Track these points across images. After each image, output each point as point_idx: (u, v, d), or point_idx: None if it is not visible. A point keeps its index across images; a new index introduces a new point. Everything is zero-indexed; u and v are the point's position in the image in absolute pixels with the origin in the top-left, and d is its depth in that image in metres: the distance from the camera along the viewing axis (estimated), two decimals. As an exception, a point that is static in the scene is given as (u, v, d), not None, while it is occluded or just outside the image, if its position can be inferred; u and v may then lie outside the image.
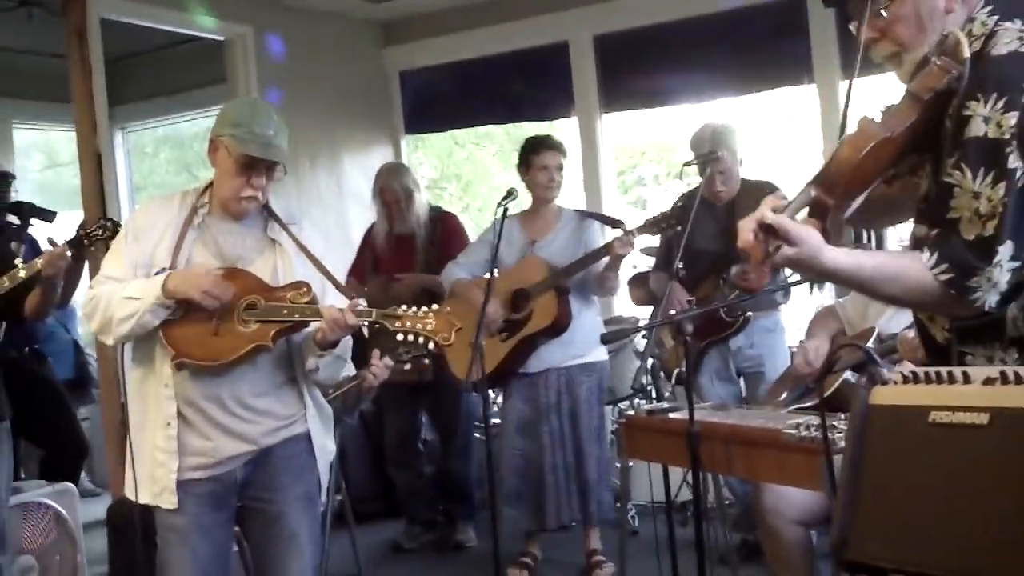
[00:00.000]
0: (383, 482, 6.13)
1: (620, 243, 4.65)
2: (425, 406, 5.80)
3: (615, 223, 4.96)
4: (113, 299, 3.00)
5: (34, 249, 5.38)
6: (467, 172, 11.16)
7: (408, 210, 5.61)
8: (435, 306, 2.96)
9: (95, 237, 4.07)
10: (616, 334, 4.59)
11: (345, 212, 6.79)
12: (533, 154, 5.04)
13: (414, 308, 2.94)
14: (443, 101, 7.42)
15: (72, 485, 4.98)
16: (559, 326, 4.86)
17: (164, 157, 9.72)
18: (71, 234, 4.05)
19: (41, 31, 6.57)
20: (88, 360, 6.38)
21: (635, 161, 10.97)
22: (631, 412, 4.09)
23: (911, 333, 3.28)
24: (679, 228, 4.59)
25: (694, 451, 3.26)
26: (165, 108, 8.10)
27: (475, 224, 6.38)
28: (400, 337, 2.93)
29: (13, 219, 5.61)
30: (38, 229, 5.33)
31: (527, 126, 9.52)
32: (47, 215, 5.43)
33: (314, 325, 3.03)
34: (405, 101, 7.38)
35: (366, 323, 2.97)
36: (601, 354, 5.03)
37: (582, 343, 4.92)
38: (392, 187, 5.63)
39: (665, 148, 11.01)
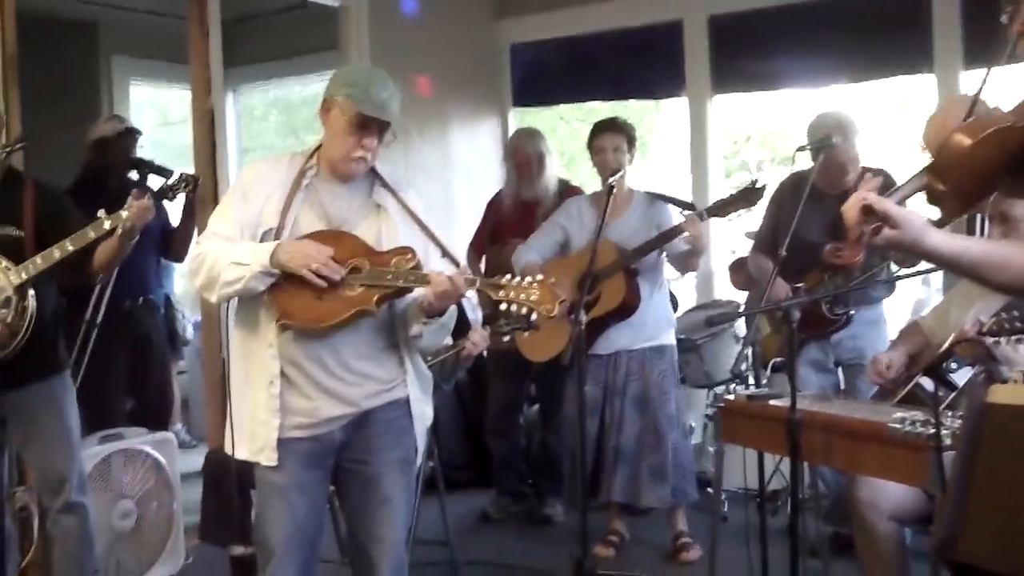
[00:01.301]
0: (474, 451, 6.19)
1: (688, 224, 4.61)
2: (532, 377, 5.82)
3: (687, 205, 4.94)
4: (219, 260, 3.02)
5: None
6: (570, 148, 11.12)
7: (538, 175, 5.66)
8: (539, 276, 2.94)
9: (176, 191, 4.13)
10: (721, 317, 4.56)
11: (450, 184, 6.81)
12: (593, 137, 5.05)
13: (519, 278, 2.93)
14: (552, 76, 7.39)
15: (172, 435, 5.11)
16: (626, 308, 4.83)
17: (273, 120, 9.85)
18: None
19: (162, -9, 6.71)
20: (177, 315, 6.49)
21: (739, 146, 10.86)
22: (730, 397, 4.06)
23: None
24: (750, 210, 4.54)
25: (794, 439, 3.22)
26: (276, 71, 8.19)
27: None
28: (503, 307, 2.92)
29: (133, 175, 5.77)
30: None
31: (634, 105, 9.53)
32: (165, 172, 5.56)
33: (418, 291, 3.04)
34: (514, 74, 7.36)
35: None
36: (671, 337, 5.02)
37: (653, 326, 4.91)
38: (526, 149, 5.69)
39: (771, 134, 10.87)
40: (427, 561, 4.69)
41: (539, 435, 5.95)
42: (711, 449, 5.74)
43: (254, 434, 3.12)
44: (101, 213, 3.77)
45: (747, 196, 4.59)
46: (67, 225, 3.94)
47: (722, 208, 4.64)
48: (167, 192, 4.06)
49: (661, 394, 4.90)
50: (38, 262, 3.85)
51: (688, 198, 5.62)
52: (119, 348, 5.61)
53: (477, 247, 5.85)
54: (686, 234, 4.65)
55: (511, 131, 7.23)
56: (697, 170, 6.64)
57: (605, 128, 5.02)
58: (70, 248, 3.83)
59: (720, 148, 6.98)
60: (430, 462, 4.69)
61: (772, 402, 3.60)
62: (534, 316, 2.92)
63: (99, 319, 5.43)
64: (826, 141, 4.58)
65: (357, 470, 3.18)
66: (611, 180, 4.50)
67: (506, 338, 4.66)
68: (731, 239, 6.64)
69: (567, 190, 5.79)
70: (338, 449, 3.17)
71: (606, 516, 5.16)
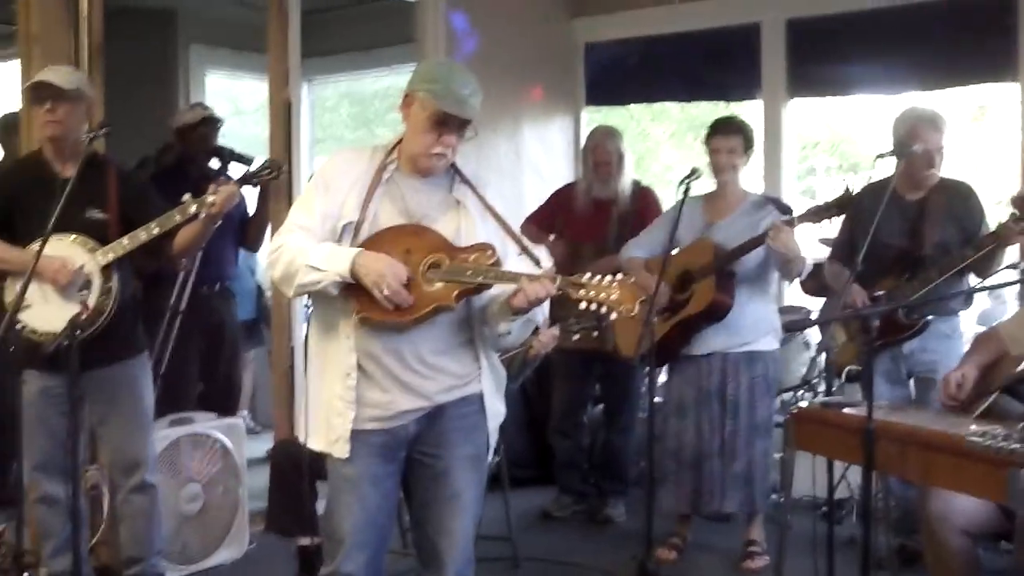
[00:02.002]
0: (537, 449, 6.19)
1: (775, 231, 4.55)
2: (598, 377, 5.81)
3: (784, 208, 4.88)
4: (298, 258, 3.03)
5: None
6: (639, 148, 11.09)
7: (616, 174, 5.65)
8: (619, 275, 2.93)
9: (262, 178, 4.17)
10: (797, 323, 4.50)
11: (521, 181, 6.80)
12: (709, 136, 5.00)
13: (598, 276, 2.91)
14: (625, 75, 7.35)
15: (240, 421, 5.16)
16: (714, 311, 4.78)
17: (344, 112, 9.90)
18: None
19: (241, -18, 6.78)
20: (268, 304, 6.54)
21: (807, 152, 10.75)
22: (803, 404, 4.02)
23: None
24: (842, 216, 4.46)
25: (869, 449, 3.18)
26: (351, 64, 8.23)
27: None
28: (583, 306, 2.89)
29: (214, 163, 5.83)
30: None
31: (705, 106, 9.47)
32: (246, 159, 5.61)
33: (497, 288, 3.04)
34: (588, 73, 7.35)
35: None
36: (769, 344, 4.93)
37: (748, 331, 4.84)
38: (606, 147, 5.68)
39: (841, 139, 10.74)
40: (489, 556, 4.68)
41: (603, 435, 5.94)
42: (777, 456, 5.70)
43: (329, 425, 3.13)
44: (186, 197, 3.82)
45: (842, 204, 4.50)
46: (149, 209, 4.01)
47: (813, 215, 4.56)
48: (252, 178, 4.10)
49: (751, 400, 4.86)
50: (124, 243, 3.92)
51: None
52: (193, 333, 5.69)
53: (536, 223, 5.79)
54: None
55: (583, 130, 7.22)
56: (770, 175, 6.58)
57: (719, 129, 4.98)
58: (156, 231, 3.90)
59: (793, 153, 6.91)
60: (495, 458, 4.70)
61: (846, 410, 3.55)
62: (613, 315, 2.90)
63: (183, 305, 5.52)
64: (907, 149, 4.52)
65: (428, 463, 3.19)
66: (687, 181, 4.47)
67: (575, 337, 4.65)
68: (807, 246, 6.56)
69: (640, 191, 5.77)
70: (410, 442, 3.18)
71: (671, 519, 5.12)
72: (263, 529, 4.76)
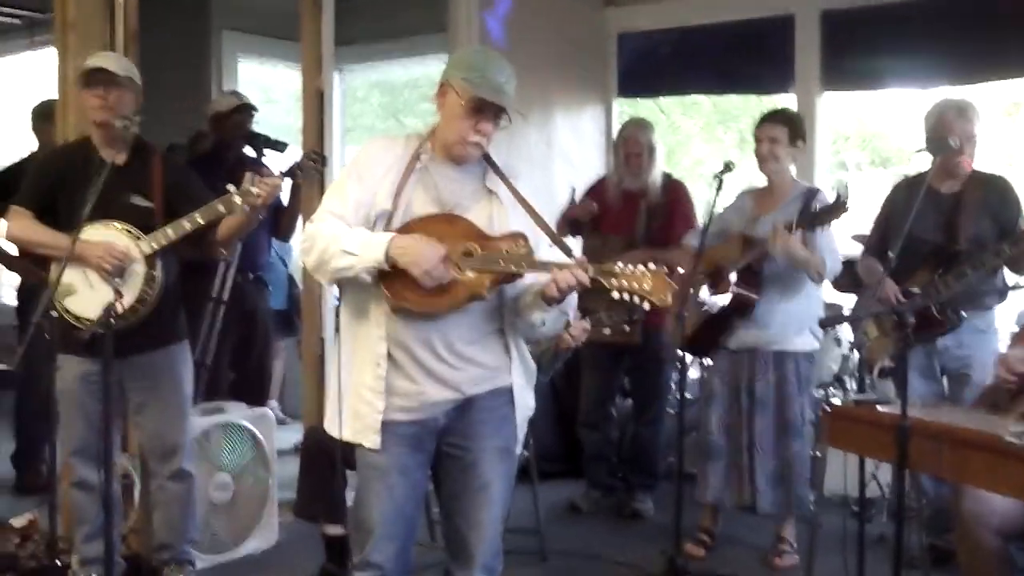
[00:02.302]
0: (566, 442, 6.18)
1: (774, 233, 4.54)
2: (626, 370, 5.79)
3: (819, 201, 4.84)
4: (332, 244, 3.01)
5: None
6: (669, 141, 11.05)
7: (646, 166, 5.62)
8: (651, 265, 2.92)
9: (307, 168, 4.17)
10: (830, 319, 4.47)
11: (552, 170, 6.78)
12: (756, 127, 4.95)
13: (631, 266, 2.91)
14: (658, 66, 7.32)
15: (270, 411, 5.17)
16: (737, 308, 4.75)
17: (375, 101, 9.90)
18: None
19: (275, -32, 6.78)
20: (300, 294, 6.55)
21: (837, 146, 10.67)
22: (837, 401, 3.99)
23: None
24: (839, 218, 4.43)
25: (902, 447, 3.15)
26: (383, 53, 8.22)
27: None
28: (615, 295, 2.90)
29: (248, 150, 5.85)
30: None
31: (735, 100, 9.42)
32: (280, 146, 5.62)
33: (529, 278, 3.03)
34: (620, 64, 7.32)
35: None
36: (806, 343, 4.86)
37: (779, 330, 4.80)
38: (637, 138, 5.67)
39: (871, 134, 10.66)
40: (517, 549, 4.68)
41: (632, 428, 5.92)
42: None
43: (358, 414, 3.12)
44: (231, 188, 3.83)
45: (834, 210, 4.48)
46: (194, 196, 4.04)
47: (809, 220, 4.54)
48: (296, 170, 4.12)
49: (779, 399, 4.82)
50: (168, 232, 3.94)
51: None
52: (227, 322, 5.71)
53: (570, 223, 5.76)
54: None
55: (615, 120, 7.20)
56: (802, 169, 6.49)
57: (766, 118, 4.94)
58: (200, 221, 3.94)
59: (826, 147, 6.86)
60: (524, 451, 4.69)
61: (880, 408, 3.52)
62: (645, 305, 2.90)
63: (226, 294, 5.55)
64: (942, 143, 4.47)
65: (457, 455, 3.18)
66: (720, 175, 4.44)
67: (606, 331, 4.63)
68: (840, 243, 6.51)
69: (671, 184, 5.74)
70: (440, 433, 3.17)
71: (699, 513, 5.10)
72: (293, 515, 4.76)
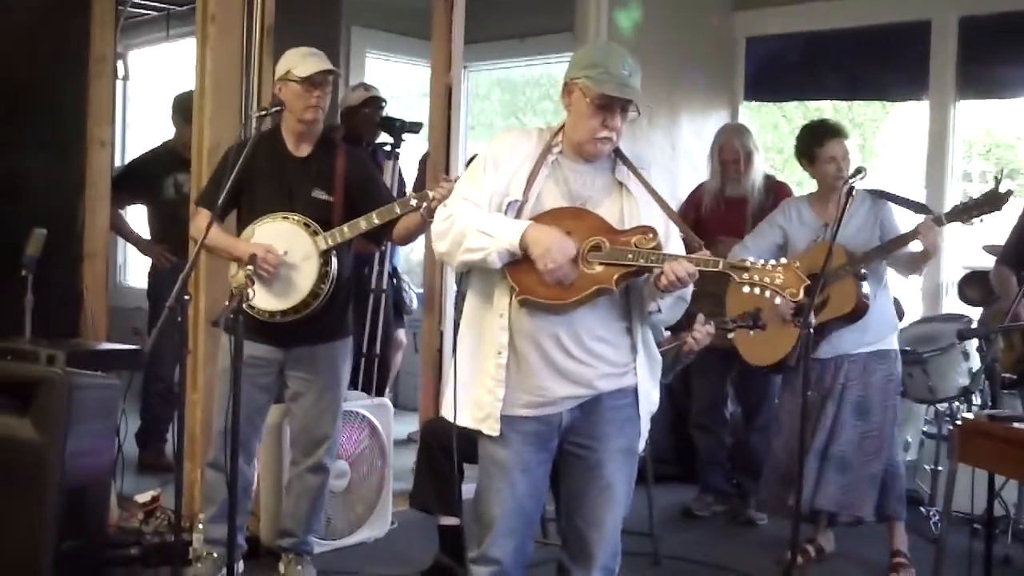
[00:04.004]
0: (680, 446, 6.13)
1: (926, 228, 4.43)
2: (734, 376, 5.74)
3: (920, 208, 4.74)
4: (469, 224, 3.03)
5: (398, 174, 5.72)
6: (790, 147, 10.88)
7: (746, 172, 5.59)
8: (783, 260, 2.90)
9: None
10: (971, 331, 4.36)
11: (676, 173, 6.74)
12: (817, 146, 4.81)
13: (761, 260, 2.89)
14: (785, 71, 7.26)
15: (388, 401, 5.23)
16: (858, 313, 4.64)
17: (496, 99, 9.95)
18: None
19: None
20: (404, 285, 6.61)
21: (963, 154, 10.40)
22: (968, 415, 3.89)
23: None
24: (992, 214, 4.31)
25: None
26: (507, 51, 8.26)
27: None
28: (746, 290, 2.88)
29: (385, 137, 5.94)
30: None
31: (857, 107, 9.25)
32: (416, 127, 5.70)
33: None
34: (748, 68, 7.26)
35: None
36: (894, 342, 4.80)
37: (876, 330, 4.71)
38: (733, 144, 5.61)
39: (999, 144, 10.37)
40: (629, 551, 4.60)
41: (742, 435, 5.85)
42: (927, 468, 5.54)
43: (479, 402, 3.12)
44: (408, 190, 3.91)
45: (993, 200, 4.36)
46: (372, 192, 4.18)
47: (965, 212, 4.42)
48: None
49: (884, 400, 4.72)
50: (344, 231, 4.05)
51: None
52: (359, 310, 5.77)
53: None
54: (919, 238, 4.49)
55: (740, 124, 7.13)
56: (933, 179, 6.40)
57: (833, 134, 4.81)
58: (376, 221, 4.04)
59: (959, 157, 6.70)
60: (641, 453, 4.66)
61: (1016, 424, 3.42)
62: (778, 299, 2.90)
63: (384, 286, 5.62)
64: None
65: (581, 455, 3.17)
66: (852, 181, 4.36)
67: (731, 335, 4.58)
68: (965, 252, 6.36)
69: (774, 185, 5.67)
70: (563, 431, 3.16)
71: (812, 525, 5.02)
72: (407, 506, 4.80)
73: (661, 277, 2.94)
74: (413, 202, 3.97)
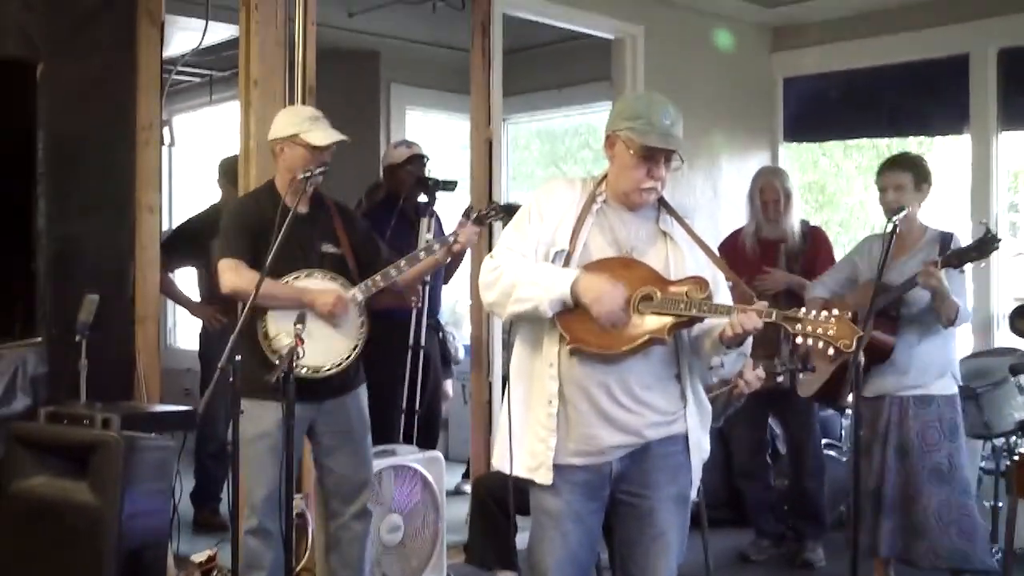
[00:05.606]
0: (732, 490, 6.08)
1: (925, 274, 4.42)
2: (775, 415, 5.72)
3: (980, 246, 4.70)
4: (518, 275, 3.04)
5: (439, 224, 5.75)
6: (833, 185, 10.84)
7: (784, 213, 5.57)
8: (836, 311, 2.90)
9: (490, 218, 4.27)
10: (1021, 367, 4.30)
11: (717, 215, 6.76)
12: (879, 176, 4.84)
13: (814, 312, 2.91)
14: (825, 110, 7.26)
15: (440, 454, 5.22)
16: (874, 352, 4.59)
17: (536, 149, 10.00)
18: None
19: (441, 24, 6.94)
20: (449, 336, 6.62)
21: (1008, 184, 10.30)
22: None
23: None
24: (988, 256, 4.36)
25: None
26: (546, 102, 8.32)
27: (833, 240, 6.20)
28: (799, 340, 2.89)
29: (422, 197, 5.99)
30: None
31: (896, 142, 9.19)
32: (450, 186, 5.76)
33: (708, 321, 3.02)
34: (787, 108, 7.27)
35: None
36: (944, 388, 4.69)
37: (916, 374, 4.65)
38: (773, 185, 5.63)
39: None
40: (686, 597, 4.61)
41: (794, 478, 5.79)
42: (987, 504, 5.45)
43: (532, 451, 3.12)
44: (428, 237, 3.95)
45: (980, 248, 4.41)
46: (375, 242, 4.23)
47: (956, 258, 4.45)
48: (484, 218, 4.25)
49: (924, 445, 4.65)
50: (378, 280, 4.08)
51: (966, 240, 5.35)
52: (401, 365, 5.79)
53: None
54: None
55: (781, 166, 7.12)
56: (978, 211, 6.35)
57: (887, 165, 4.85)
58: (405, 268, 4.08)
59: (1004, 188, 6.65)
60: (695, 498, 4.63)
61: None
62: (831, 350, 2.89)
63: (423, 340, 5.68)
64: None
65: (634, 503, 3.16)
66: (895, 219, 4.35)
67: (780, 378, 4.56)
68: (1017, 284, 6.31)
69: (811, 231, 5.70)
70: (615, 480, 3.16)
71: (869, 565, 4.94)
72: (463, 561, 4.79)
73: (727, 329, 2.95)
74: (436, 248, 4.05)
